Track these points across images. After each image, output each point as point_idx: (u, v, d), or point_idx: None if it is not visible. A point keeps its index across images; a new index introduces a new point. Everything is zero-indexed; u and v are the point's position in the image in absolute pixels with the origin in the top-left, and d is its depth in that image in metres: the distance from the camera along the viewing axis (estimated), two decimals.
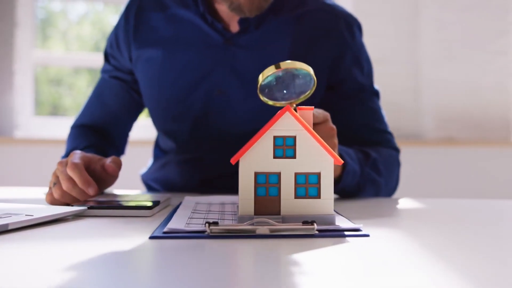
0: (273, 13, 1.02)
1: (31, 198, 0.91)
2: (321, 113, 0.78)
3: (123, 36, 1.07)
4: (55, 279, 0.39)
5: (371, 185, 0.98)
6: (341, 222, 0.62)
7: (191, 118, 1.01)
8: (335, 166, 0.85)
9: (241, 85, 1.00)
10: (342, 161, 0.62)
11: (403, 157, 2.38)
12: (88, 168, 0.83)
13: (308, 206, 0.61)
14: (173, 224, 0.59)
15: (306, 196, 0.61)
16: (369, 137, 1.06)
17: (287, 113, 0.61)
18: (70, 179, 0.77)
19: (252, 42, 1.01)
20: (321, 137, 0.77)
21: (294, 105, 0.71)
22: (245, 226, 0.56)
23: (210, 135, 1.02)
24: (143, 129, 2.35)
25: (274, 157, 0.61)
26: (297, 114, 0.62)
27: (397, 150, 1.10)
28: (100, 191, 0.87)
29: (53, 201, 0.78)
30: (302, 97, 0.70)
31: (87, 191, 0.77)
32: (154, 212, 0.71)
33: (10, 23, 2.59)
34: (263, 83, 0.67)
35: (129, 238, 0.56)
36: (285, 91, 0.69)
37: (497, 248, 0.53)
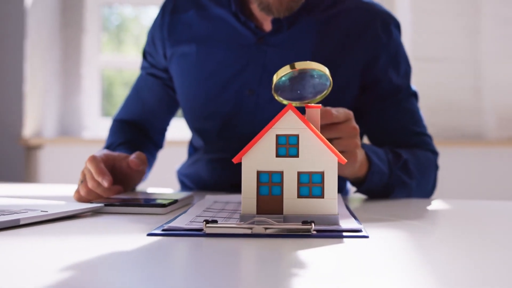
0: (306, 12, 1.00)
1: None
2: (342, 112, 0.76)
3: (158, 34, 1.09)
4: (39, 272, 0.41)
5: (401, 187, 0.94)
6: (347, 222, 0.61)
7: (221, 117, 1.02)
8: (356, 167, 0.82)
9: (271, 85, 0.99)
10: (346, 160, 0.61)
11: (464, 158, 2.29)
12: (114, 166, 0.85)
13: (311, 205, 0.60)
14: (175, 222, 0.60)
15: (310, 195, 0.60)
16: (406, 140, 1.02)
17: (290, 111, 0.61)
18: (95, 178, 0.80)
19: (284, 42, 1.00)
20: (342, 137, 0.76)
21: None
22: (240, 225, 0.56)
23: (238, 136, 1.02)
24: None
25: (277, 155, 0.60)
26: (300, 113, 0.61)
27: (435, 153, 1.05)
28: (130, 188, 0.90)
29: (79, 198, 0.81)
30: (318, 98, 0.69)
31: (102, 183, 0.79)
32: (169, 210, 0.72)
33: (78, 29, 2.72)
34: (277, 83, 0.66)
35: (130, 235, 0.57)
36: (300, 91, 0.68)
37: (503, 253, 0.50)
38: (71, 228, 0.61)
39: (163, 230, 0.57)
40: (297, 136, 0.61)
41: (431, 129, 1.11)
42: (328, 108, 0.74)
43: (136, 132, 1.12)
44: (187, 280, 0.40)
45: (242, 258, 0.48)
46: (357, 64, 1.00)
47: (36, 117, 2.52)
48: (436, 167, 1.05)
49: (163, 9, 1.10)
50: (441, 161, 1.08)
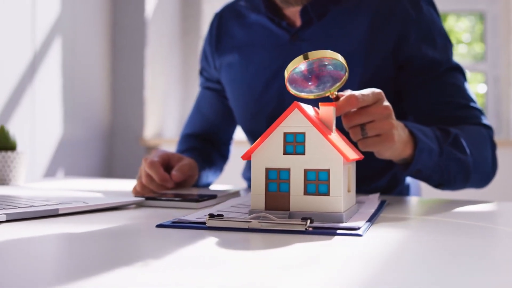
0: (334, 2, 1.00)
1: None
2: (370, 94, 0.71)
3: (208, 48, 1.16)
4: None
5: (455, 165, 0.88)
6: (354, 221, 0.60)
7: (266, 116, 1.05)
8: (395, 148, 0.76)
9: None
10: (349, 158, 0.60)
11: None
12: (168, 165, 0.91)
13: (317, 203, 0.60)
14: (189, 216, 0.64)
15: (316, 192, 0.60)
16: (451, 114, 0.97)
17: (296, 109, 0.61)
18: (148, 175, 0.87)
19: (316, 35, 1.00)
20: (375, 119, 0.72)
21: (335, 93, 0.70)
22: (237, 220, 0.58)
23: None
24: None
25: (285, 153, 0.61)
26: (306, 111, 0.62)
27: (487, 127, 0.98)
28: (184, 186, 0.95)
29: (136, 193, 0.89)
30: (337, 85, 0.69)
31: (166, 185, 0.86)
32: (203, 205, 0.76)
33: (196, 36, 2.88)
34: (291, 76, 0.67)
35: (143, 225, 0.62)
36: (315, 82, 0.68)
37: (501, 255, 0.46)
38: (102, 218, 0.67)
39: (173, 222, 0.61)
40: (303, 134, 0.61)
41: None
42: (353, 92, 0.70)
43: (201, 142, 1.19)
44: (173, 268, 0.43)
45: (227, 251, 0.49)
46: (388, 44, 0.98)
47: (156, 120, 2.72)
48: (492, 144, 0.97)
49: (211, 25, 1.16)
50: None
